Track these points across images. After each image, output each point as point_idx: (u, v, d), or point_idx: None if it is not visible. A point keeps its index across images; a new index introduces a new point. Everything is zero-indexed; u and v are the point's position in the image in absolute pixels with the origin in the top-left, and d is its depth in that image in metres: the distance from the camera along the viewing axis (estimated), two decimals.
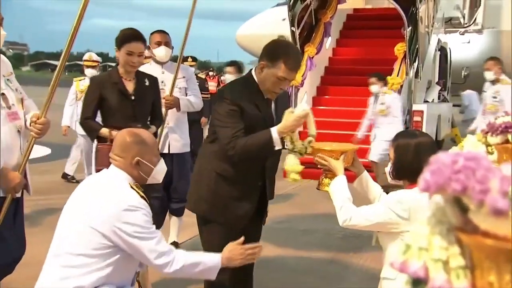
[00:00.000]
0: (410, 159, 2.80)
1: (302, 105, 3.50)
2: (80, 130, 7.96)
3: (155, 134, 4.75)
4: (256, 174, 3.60)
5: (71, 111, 9.21)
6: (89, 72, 8.99)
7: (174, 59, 5.68)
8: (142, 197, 2.88)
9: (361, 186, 3.27)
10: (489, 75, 8.54)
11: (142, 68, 5.50)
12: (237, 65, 9.70)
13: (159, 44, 5.43)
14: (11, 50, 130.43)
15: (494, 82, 8.55)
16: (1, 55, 3.59)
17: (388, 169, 2.98)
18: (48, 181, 9.24)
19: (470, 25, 15.74)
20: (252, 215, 3.64)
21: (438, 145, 12.15)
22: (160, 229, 5.43)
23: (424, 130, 10.93)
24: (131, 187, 2.89)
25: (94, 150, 4.70)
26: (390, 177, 2.98)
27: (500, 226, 0.88)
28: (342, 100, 12.18)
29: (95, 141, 4.60)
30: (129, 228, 2.74)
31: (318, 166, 3.28)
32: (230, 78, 8.84)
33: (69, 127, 9.26)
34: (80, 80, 9.10)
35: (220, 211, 3.56)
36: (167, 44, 5.48)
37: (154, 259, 2.80)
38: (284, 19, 12.76)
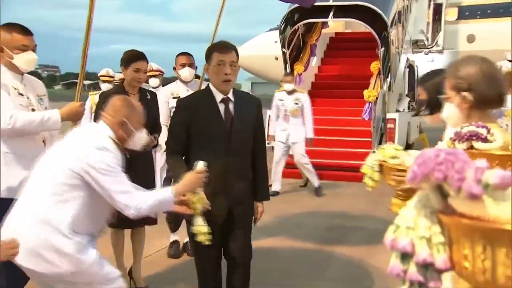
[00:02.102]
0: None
1: (200, 162, 3.00)
2: None
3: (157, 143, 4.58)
4: (215, 182, 3.18)
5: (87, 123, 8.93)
6: (105, 87, 8.41)
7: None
8: (117, 145, 2.85)
9: None
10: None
11: (169, 87, 5.58)
12: None
13: (183, 65, 5.35)
14: (45, 72, 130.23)
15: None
16: (35, 77, 3.69)
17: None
18: None
19: (432, 46, 15.85)
20: (236, 217, 3.37)
21: (408, 148, 12.20)
22: (177, 231, 5.37)
23: (396, 135, 10.99)
24: (110, 138, 2.85)
25: None
26: (426, 113, 2.83)
27: (474, 209, 0.91)
28: (327, 110, 12.18)
29: None
30: (98, 164, 2.68)
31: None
32: None
33: None
34: (95, 94, 8.70)
35: None
36: (191, 65, 5.39)
37: (119, 198, 2.72)
38: (276, 42, 12.83)
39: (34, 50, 3.39)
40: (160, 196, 2.91)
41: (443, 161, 0.93)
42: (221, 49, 3.27)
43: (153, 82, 7.82)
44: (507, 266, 0.88)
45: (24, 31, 3.34)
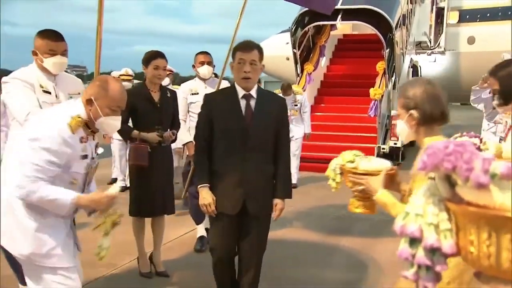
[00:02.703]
0: None
1: (114, 187, 2.70)
2: (115, 135, 7.39)
3: (174, 138, 4.56)
4: (232, 175, 3.21)
5: None
6: (125, 85, 8.37)
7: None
8: (71, 131, 2.50)
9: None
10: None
11: (188, 84, 5.53)
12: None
13: (202, 63, 5.28)
14: (74, 72, 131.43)
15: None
16: (74, 76, 3.76)
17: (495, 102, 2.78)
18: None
19: (435, 48, 15.79)
20: (245, 205, 3.26)
21: (412, 143, 12.15)
22: (202, 223, 5.35)
23: None
24: (75, 119, 2.53)
25: (128, 148, 4.64)
26: (499, 102, 2.77)
27: (481, 197, 0.91)
28: (335, 107, 12.18)
29: (129, 142, 4.52)
30: (32, 138, 2.45)
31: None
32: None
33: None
34: None
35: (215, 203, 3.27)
36: (209, 63, 5.33)
37: (18, 180, 2.44)
38: (287, 43, 12.79)
39: (64, 54, 3.44)
40: (60, 195, 2.51)
41: (452, 152, 0.93)
42: (243, 48, 3.24)
43: (165, 81, 7.80)
44: (511, 251, 0.88)
45: (55, 37, 3.41)
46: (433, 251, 1.01)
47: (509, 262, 0.89)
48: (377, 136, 10.92)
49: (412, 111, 2.30)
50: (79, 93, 3.58)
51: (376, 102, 10.74)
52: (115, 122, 2.68)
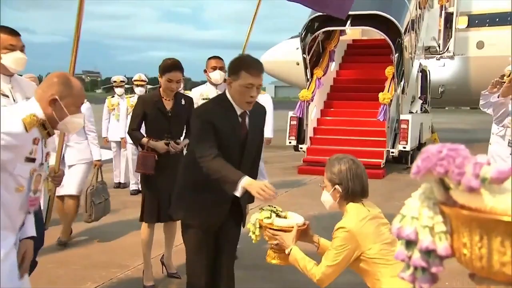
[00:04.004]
0: None
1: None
2: (128, 139, 7.36)
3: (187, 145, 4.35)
4: (222, 191, 2.96)
5: (106, 124, 8.92)
6: (139, 90, 8.58)
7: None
8: (25, 128, 2.24)
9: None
10: None
11: (199, 89, 5.46)
12: None
13: (214, 68, 5.20)
14: (88, 77, 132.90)
15: None
16: (29, 80, 3.48)
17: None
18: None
19: (444, 52, 15.73)
20: (226, 219, 3.18)
21: (421, 147, 12.10)
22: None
23: (409, 135, 10.92)
24: (28, 116, 2.28)
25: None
26: None
27: (472, 201, 0.92)
28: (344, 112, 12.18)
29: (139, 148, 4.44)
30: None
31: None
32: None
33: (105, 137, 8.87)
34: (131, 97, 8.53)
35: (195, 216, 3.13)
36: (222, 68, 5.21)
37: None
38: (297, 48, 12.82)
39: (22, 51, 3.15)
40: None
41: (445, 156, 0.94)
42: (253, 71, 2.94)
43: (139, 90, 7.84)
44: (502, 253, 0.89)
45: (11, 31, 3.11)
46: (429, 253, 1.02)
47: (499, 263, 0.90)
48: (386, 140, 10.91)
49: (337, 186, 2.64)
50: None
51: (385, 106, 10.72)
52: (80, 120, 2.50)
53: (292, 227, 2.75)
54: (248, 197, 3.15)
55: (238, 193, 2.83)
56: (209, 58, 5.36)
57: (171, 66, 4.26)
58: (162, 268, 4.60)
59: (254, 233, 2.81)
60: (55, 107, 2.35)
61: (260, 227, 2.78)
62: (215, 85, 5.30)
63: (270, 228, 2.74)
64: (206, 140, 2.94)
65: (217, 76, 5.23)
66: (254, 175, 3.15)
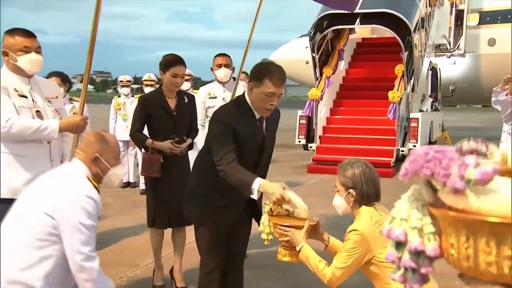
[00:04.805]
0: None
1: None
2: None
3: (191, 145, 4.32)
4: (239, 194, 2.97)
5: (113, 124, 8.97)
6: (148, 90, 8.31)
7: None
8: (95, 187, 2.49)
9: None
10: None
11: (206, 88, 5.32)
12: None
13: (220, 66, 5.07)
14: (99, 77, 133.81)
15: None
16: (51, 80, 3.48)
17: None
18: None
19: (455, 50, 15.64)
20: (239, 219, 3.19)
21: (431, 145, 12.02)
22: None
23: (419, 133, 10.88)
24: (88, 178, 2.50)
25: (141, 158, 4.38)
26: None
27: (459, 202, 0.93)
28: (354, 110, 12.16)
29: (143, 150, 4.25)
30: (73, 218, 2.32)
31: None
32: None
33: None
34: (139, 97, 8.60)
35: (209, 217, 3.15)
36: (228, 66, 5.09)
37: (79, 254, 2.33)
38: (306, 47, 12.82)
39: (38, 52, 3.17)
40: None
41: (431, 158, 0.96)
42: (277, 81, 2.93)
43: (185, 86, 7.79)
44: (487, 253, 0.90)
45: (26, 33, 3.14)
46: (418, 254, 1.03)
47: (485, 263, 0.91)
48: (396, 138, 10.88)
49: (351, 190, 2.63)
50: (56, 97, 3.39)
51: (395, 105, 10.69)
52: (120, 170, 2.70)
53: (303, 225, 2.75)
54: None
55: (255, 196, 2.84)
56: (216, 56, 5.23)
57: (175, 60, 4.10)
58: (171, 281, 4.38)
59: (264, 231, 2.82)
60: (98, 164, 2.56)
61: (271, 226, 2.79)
62: (222, 83, 5.18)
63: (281, 225, 2.73)
64: (225, 144, 2.93)
65: (222, 73, 5.11)
66: (264, 176, 3.17)
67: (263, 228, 2.83)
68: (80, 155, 2.57)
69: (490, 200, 0.89)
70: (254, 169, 3.02)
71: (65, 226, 2.31)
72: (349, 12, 5.76)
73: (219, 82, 5.20)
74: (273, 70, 2.96)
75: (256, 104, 3.00)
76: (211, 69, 5.21)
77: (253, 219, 3.29)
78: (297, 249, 2.71)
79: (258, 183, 2.80)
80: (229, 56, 5.21)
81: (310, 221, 2.79)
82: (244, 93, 3.12)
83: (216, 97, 5.16)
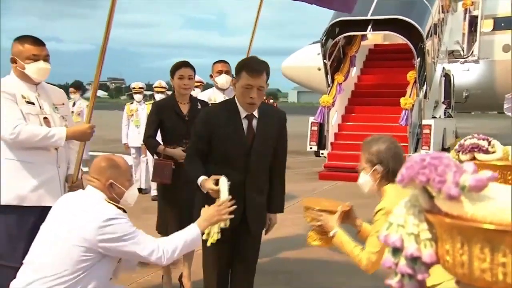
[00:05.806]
0: None
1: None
2: None
3: None
4: (234, 191, 2.83)
5: (126, 130, 9.03)
6: (159, 97, 8.41)
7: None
8: (119, 208, 2.56)
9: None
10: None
11: (206, 94, 5.29)
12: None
13: (220, 72, 5.05)
14: (113, 84, 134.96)
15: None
16: (56, 87, 3.48)
17: None
18: None
19: (468, 56, 15.52)
20: (237, 227, 3.00)
21: (444, 152, 11.94)
22: None
23: (431, 140, 10.81)
24: (108, 201, 2.56)
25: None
26: None
27: (454, 208, 0.94)
28: (366, 117, 12.11)
29: (155, 156, 4.24)
30: (114, 236, 2.40)
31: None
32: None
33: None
34: (150, 103, 8.40)
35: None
36: (228, 72, 5.06)
37: (148, 256, 2.49)
38: (318, 54, 12.81)
39: (46, 60, 3.18)
40: (187, 236, 2.66)
41: (427, 165, 0.96)
42: (252, 71, 2.92)
43: (194, 92, 7.80)
44: (482, 260, 0.91)
45: (35, 41, 3.15)
46: (414, 260, 1.04)
47: (480, 270, 0.91)
48: (408, 145, 10.82)
49: (377, 166, 2.54)
50: (63, 104, 3.41)
51: (407, 111, 10.64)
52: (135, 191, 2.74)
53: (336, 209, 2.69)
54: (275, 206, 3.25)
55: (204, 190, 2.89)
56: (215, 62, 5.23)
57: (180, 63, 4.21)
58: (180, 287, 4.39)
59: (208, 234, 2.75)
60: (114, 189, 2.59)
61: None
62: (223, 90, 5.15)
63: (313, 209, 2.69)
64: (194, 142, 3.10)
65: (223, 80, 5.08)
66: (278, 189, 3.24)
67: (207, 230, 2.76)
68: (94, 183, 2.59)
69: (484, 207, 0.90)
70: (244, 171, 3.01)
71: (113, 248, 2.43)
72: (349, 13, 5.75)
73: (219, 88, 5.19)
74: (250, 63, 3.00)
75: (240, 99, 3.00)
76: (211, 76, 5.21)
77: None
78: (330, 234, 2.63)
79: (200, 180, 2.91)
80: (228, 63, 5.21)
81: (343, 206, 2.73)
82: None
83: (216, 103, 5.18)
